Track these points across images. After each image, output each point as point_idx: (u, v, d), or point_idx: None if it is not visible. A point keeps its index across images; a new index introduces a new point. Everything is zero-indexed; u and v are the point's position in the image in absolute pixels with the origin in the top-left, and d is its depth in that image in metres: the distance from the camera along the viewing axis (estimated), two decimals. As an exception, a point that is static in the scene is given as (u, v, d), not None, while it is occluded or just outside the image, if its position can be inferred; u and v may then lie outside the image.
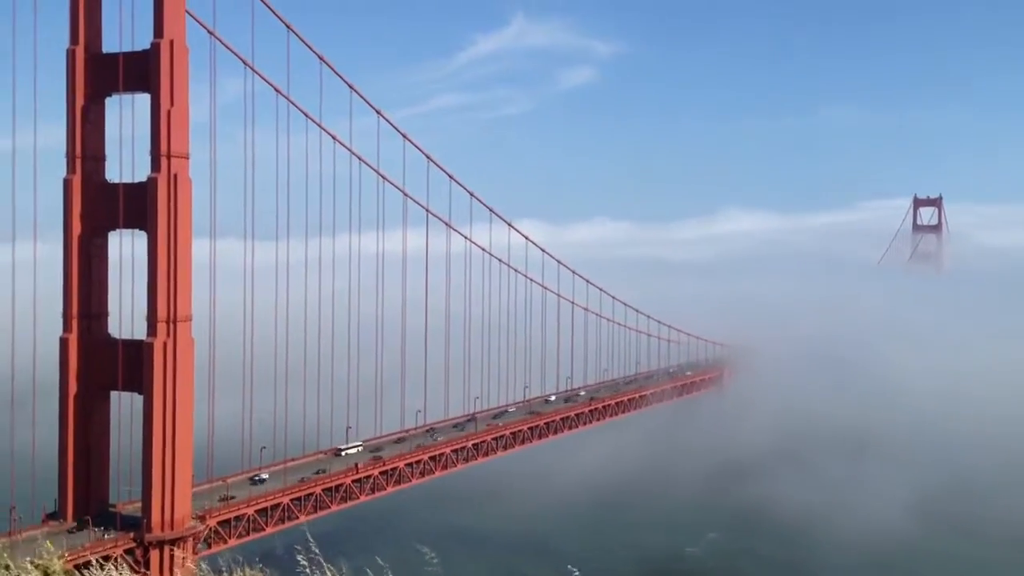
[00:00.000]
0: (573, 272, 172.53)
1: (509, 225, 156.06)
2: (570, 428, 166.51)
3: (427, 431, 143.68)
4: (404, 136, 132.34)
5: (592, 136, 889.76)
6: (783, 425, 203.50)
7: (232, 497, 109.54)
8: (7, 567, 14.42)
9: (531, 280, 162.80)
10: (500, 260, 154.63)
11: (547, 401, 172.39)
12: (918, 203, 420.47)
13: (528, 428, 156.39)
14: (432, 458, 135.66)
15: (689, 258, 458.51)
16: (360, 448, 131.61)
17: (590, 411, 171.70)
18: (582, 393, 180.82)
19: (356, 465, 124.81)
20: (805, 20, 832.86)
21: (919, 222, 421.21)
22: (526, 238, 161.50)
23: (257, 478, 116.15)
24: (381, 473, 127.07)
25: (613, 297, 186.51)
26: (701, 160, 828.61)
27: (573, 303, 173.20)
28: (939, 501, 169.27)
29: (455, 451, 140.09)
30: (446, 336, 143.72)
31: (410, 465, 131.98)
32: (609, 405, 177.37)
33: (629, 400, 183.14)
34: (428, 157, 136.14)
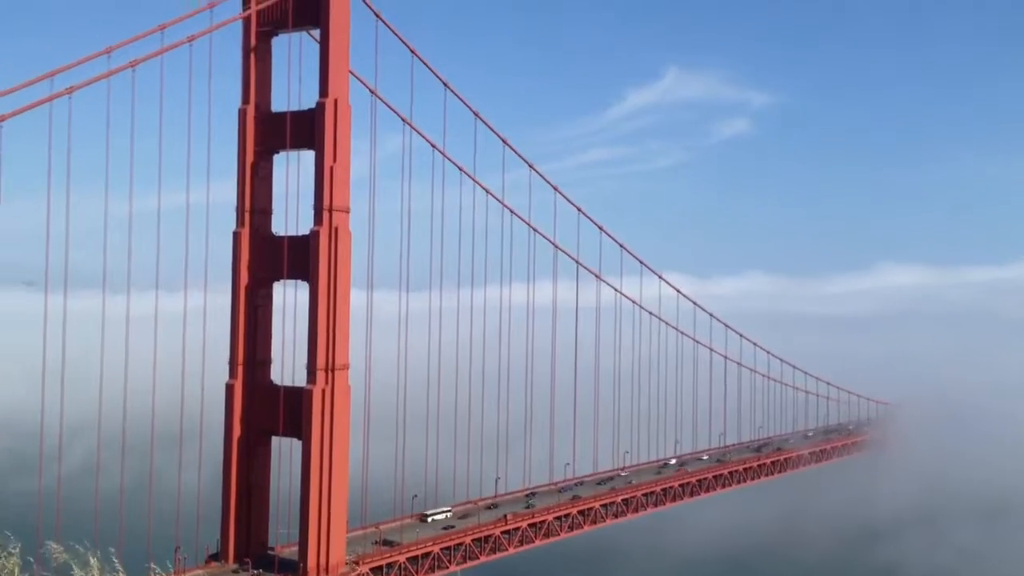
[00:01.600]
0: (726, 326, 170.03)
1: (659, 277, 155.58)
2: (707, 491, 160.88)
3: (528, 495, 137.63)
4: (555, 189, 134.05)
5: (745, 188, 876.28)
6: (935, 486, 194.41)
7: (390, 542, 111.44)
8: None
9: (682, 333, 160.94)
10: (651, 313, 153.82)
11: (665, 465, 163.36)
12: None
13: (679, 484, 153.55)
14: (581, 512, 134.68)
15: (841, 312, 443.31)
16: (448, 514, 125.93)
17: (730, 472, 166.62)
18: (704, 456, 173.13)
19: (505, 516, 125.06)
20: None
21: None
22: (677, 291, 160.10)
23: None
24: (530, 525, 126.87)
25: (768, 352, 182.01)
26: (855, 212, 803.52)
27: (726, 357, 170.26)
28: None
29: (603, 506, 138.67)
30: (595, 389, 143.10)
31: (559, 519, 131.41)
32: (751, 467, 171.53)
33: (773, 463, 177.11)
34: (579, 209, 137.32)
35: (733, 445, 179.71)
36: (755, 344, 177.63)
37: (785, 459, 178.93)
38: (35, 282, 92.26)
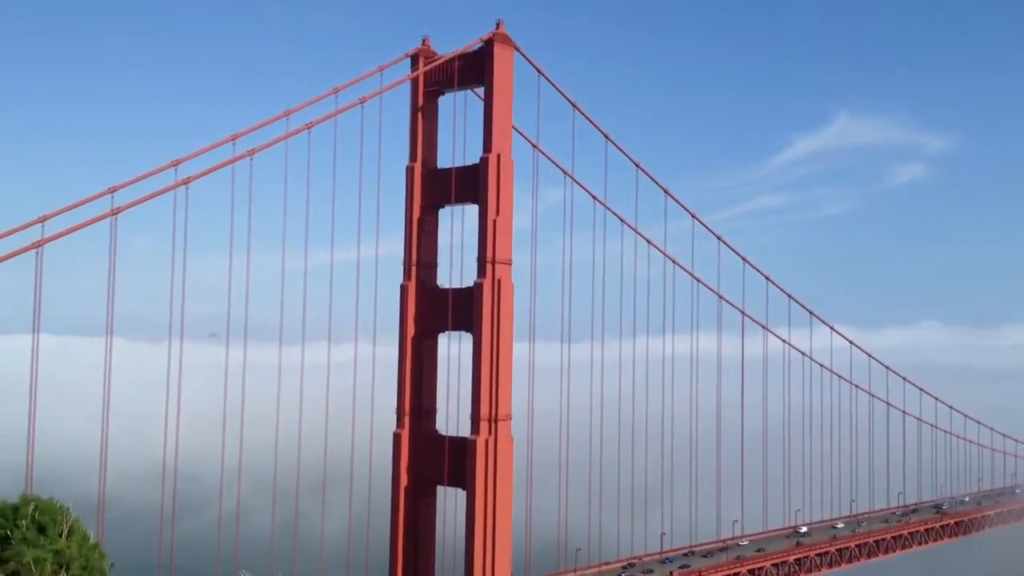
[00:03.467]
0: (904, 379, 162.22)
1: (831, 329, 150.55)
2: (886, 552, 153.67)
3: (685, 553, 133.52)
4: (719, 238, 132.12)
5: (920, 235, 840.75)
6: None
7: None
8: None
9: (856, 387, 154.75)
10: (822, 365, 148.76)
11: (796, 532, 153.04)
12: None
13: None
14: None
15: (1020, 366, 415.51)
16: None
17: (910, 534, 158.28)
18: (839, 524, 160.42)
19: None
20: None
21: None
22: (850, 342, 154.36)
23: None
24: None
25: (950, 407, 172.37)
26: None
27: (904, 412, 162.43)
28: None
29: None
30: (763, 443, 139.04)
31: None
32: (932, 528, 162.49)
33: (956, 524, 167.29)
34: (743, 259, 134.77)
35: (898, 507, 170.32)
36: (936, 398, 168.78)
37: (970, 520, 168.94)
38: (218, 334, 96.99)
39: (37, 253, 77.64)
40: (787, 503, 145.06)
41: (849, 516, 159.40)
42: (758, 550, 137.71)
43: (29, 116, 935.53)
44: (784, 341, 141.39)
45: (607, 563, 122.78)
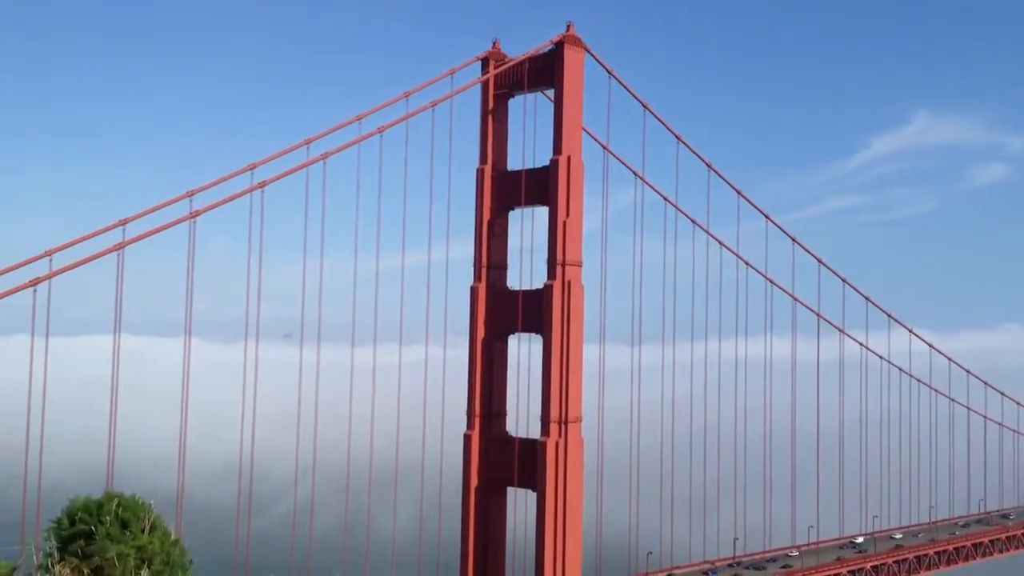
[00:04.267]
0: (985, 383, 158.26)
1: (910, 332, 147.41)
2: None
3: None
4: (793, 239, 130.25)
5: (1002, 236, 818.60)
6: None
7: None
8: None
9: (935, 391, 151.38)
10: (900, 369, 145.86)
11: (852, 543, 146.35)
12: None
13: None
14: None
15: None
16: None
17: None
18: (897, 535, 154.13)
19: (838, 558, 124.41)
20: None
21: None
22: (930, 345, 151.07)
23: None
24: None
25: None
26: None
27: (986, 417, 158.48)
28: None
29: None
30: (839, 447, 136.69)
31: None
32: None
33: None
34: (818, 260, 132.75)
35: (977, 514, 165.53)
36: (1019, 404, 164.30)
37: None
38: (292, 334, 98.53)
39: (118, 255, 79.59)
40: (864, 509, 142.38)
41: (909, 526, 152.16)
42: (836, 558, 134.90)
43: (112, 118, 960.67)
44: (861, 344, 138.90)
45: (678, 567, 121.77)
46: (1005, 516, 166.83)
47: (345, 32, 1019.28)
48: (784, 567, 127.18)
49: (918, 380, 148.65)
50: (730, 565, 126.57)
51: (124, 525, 21.48)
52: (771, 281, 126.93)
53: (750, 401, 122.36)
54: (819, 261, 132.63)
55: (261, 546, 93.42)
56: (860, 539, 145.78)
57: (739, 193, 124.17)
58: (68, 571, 20.75)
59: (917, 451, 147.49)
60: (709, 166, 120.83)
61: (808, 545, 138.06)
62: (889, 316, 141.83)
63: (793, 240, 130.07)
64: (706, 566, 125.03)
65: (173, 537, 23.35)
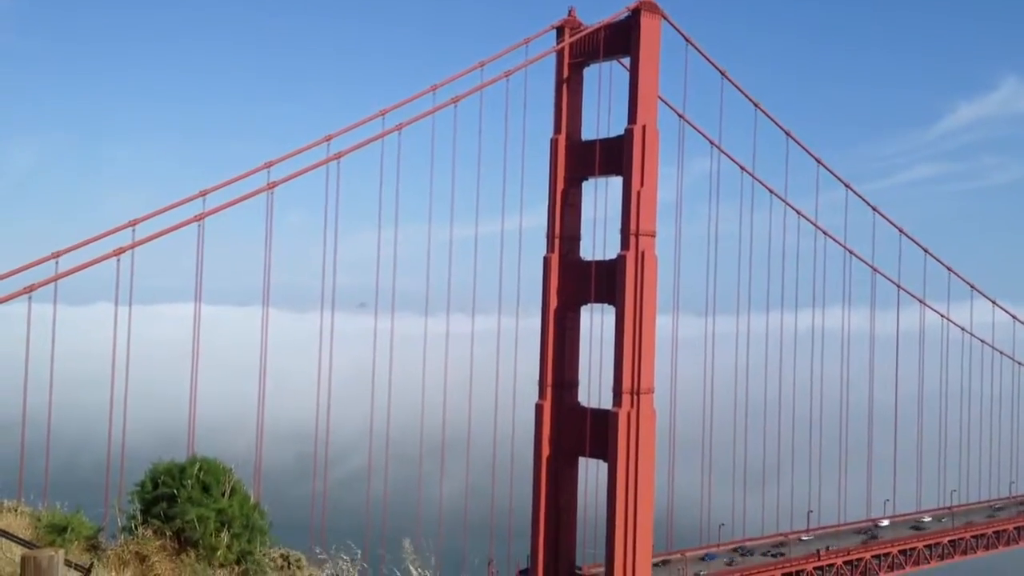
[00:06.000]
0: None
1: (993, 303, 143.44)
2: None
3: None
4: (874, 208, 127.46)
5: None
6: None
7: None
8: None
9: (1020, 364, 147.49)
10: (982, 341, 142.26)
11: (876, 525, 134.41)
12: None
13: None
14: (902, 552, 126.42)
15: None
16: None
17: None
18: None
19: (818, 551, 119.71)
20: None
21: None
22: (1013, 316, 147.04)
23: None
24: (845, 563, 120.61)
25: None
26: None
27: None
28: None
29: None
30: (919, 422, 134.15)
31: (877, 557, 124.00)
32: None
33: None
34: (900, 229, 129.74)
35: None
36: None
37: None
38: (366, 304, 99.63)
39: (199, 226, 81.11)
40: (943, 483, 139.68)
41: (938, 508, 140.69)
42: (825, 548, 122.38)
43: (191, 94, 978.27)
44: (942, 315, 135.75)
45: (751, 539, 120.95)
46: None
47: (418, 4, 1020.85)
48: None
49: (1001, 352, 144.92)
50: (739, 550, 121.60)
51: (205, 488, 21.99)
52: (850, 251, 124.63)
53: (826, 373, 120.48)
54: (900, 230, 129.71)
55: (333, 508, 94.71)
56: (885, 522, 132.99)
57: (819, 162, 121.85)
58: (151, 533, 21.34)
59: (999, 426, 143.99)
60: (788, 134, 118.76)
61: (824, 528, 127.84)
62: (972, 287, 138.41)
63: (874, 209, 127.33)
64: (778, 538, 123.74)
65: (252, 501, 23.88)
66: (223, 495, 22.01)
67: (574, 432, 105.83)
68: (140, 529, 21.70)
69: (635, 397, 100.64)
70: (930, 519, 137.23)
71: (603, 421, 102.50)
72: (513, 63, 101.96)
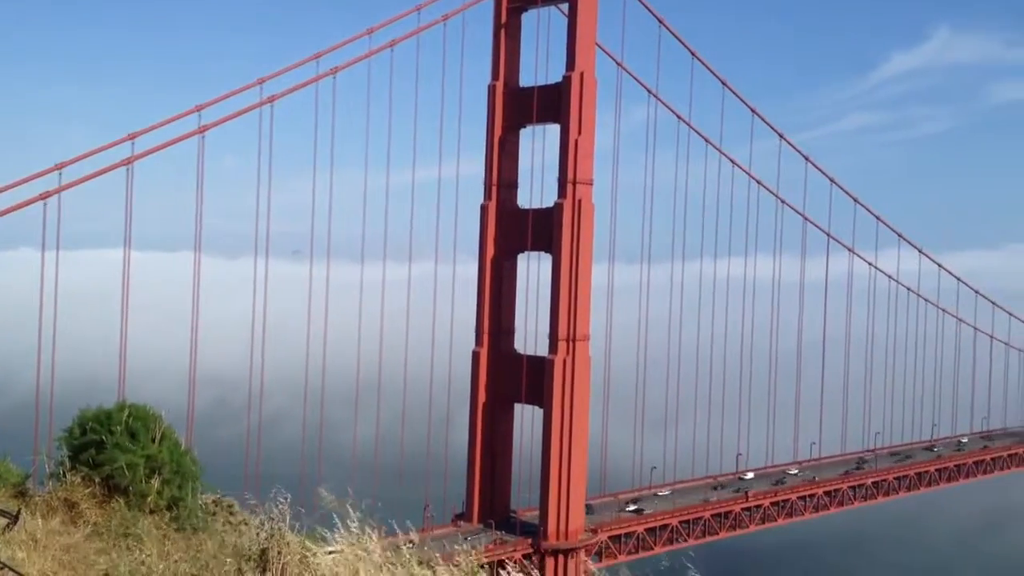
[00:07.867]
0: (993, 304, 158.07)
1: (919, 251, 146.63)
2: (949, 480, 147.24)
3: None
4: (805, 158, 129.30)
5: (1019, 155, 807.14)
6: None
7: (639, 510, 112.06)
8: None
9: (944, 311, 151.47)
10: (908, 288, 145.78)
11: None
12: None
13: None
14: (827, 493, 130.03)
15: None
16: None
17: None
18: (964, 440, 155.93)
19: (746, 494, 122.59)
20: None
21: None
22: (939, 265, 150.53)
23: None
24: (772, 504, 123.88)
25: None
26: None
27: (992, 337, 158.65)
28: None
29: (852, 488, 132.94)
30: (845, 366, 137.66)
31: (803, 498, 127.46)
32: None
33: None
34: (830, 179, 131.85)
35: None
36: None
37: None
38: (301, 251, 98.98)
39: (127, 170, 79.48)
40: (867, 427, 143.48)
41: (808, 460, 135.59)
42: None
43: (118, 38, 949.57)
44: (869, 263, 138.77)
45: (682, 481, 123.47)
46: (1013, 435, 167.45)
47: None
48: (776, 482, 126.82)
49: (926, 300, 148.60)
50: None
51: (133, 435, 21.78)
52: (782, 200, 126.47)
53: (756, 319, 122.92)
54: (831, 180, 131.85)
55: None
56: (749, 475, 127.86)
57: (753, 111, 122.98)
58: (80, 480, 21.13)
59: (923, 371, 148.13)
60: (724, 83, 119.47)
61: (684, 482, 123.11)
62: (899, 235, 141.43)
63: (805, 158, 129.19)
64: (710, 481, 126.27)
65: (183, 447, 23.79)
66: (152, 441, 21.83)
67: (510, 379, 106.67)
68: (68, 476, 21.50)
69: (571, 344, 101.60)
70: (796, 471, 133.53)
71: (539, 368, 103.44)
72: (451, 7, 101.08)
